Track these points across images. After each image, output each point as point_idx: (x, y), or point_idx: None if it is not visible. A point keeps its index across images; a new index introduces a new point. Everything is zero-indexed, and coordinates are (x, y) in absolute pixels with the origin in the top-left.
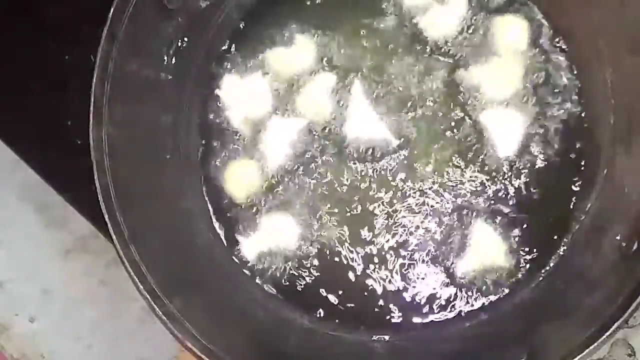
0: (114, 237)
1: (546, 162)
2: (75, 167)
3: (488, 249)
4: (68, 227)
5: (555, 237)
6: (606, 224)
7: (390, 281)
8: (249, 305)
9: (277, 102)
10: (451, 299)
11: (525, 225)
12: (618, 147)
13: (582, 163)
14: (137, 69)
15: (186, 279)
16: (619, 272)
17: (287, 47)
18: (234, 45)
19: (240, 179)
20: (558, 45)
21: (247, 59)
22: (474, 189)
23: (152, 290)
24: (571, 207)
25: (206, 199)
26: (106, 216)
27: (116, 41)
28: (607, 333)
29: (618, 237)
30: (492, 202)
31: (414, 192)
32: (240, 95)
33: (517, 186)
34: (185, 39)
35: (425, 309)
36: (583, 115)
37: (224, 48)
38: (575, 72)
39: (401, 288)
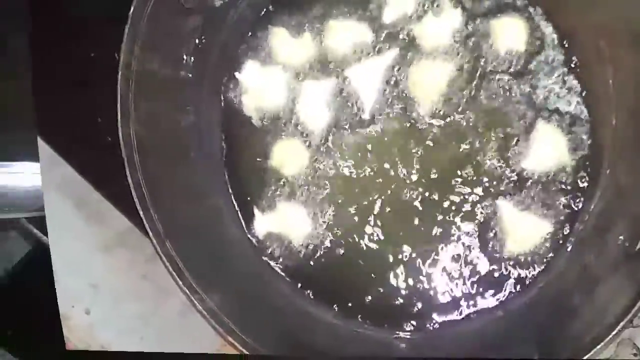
0: (150, 233)
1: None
2: (109, 163)
3: (521, 237)
4: (107, 222)
5: (561, 237)
6: (610, 224)
7: (412, 279)
8: (278, 301)
9: (291, 97)
10: (470, 296)
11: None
12: (620, 147)
13: (586, 163)
14: (159, 67)
15: (220, 275)
16: (623, 271)
17: (296, 40)
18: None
19: (288, 156)
20: (560, 45)
21: (268, 51)
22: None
23: (191, 285)
24: (576, 207)
25: (231, 195)
26: (141, 212)
27: (137, 40)
28: (613, 333)
29: (621, 237)
30: (505, 196)
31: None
32: (258, 82)
33: (522, 187)
34: (203, 38)
35: (446, 307)
36: (585, 115)
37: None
38: (577, 73)
39: (423, 285)
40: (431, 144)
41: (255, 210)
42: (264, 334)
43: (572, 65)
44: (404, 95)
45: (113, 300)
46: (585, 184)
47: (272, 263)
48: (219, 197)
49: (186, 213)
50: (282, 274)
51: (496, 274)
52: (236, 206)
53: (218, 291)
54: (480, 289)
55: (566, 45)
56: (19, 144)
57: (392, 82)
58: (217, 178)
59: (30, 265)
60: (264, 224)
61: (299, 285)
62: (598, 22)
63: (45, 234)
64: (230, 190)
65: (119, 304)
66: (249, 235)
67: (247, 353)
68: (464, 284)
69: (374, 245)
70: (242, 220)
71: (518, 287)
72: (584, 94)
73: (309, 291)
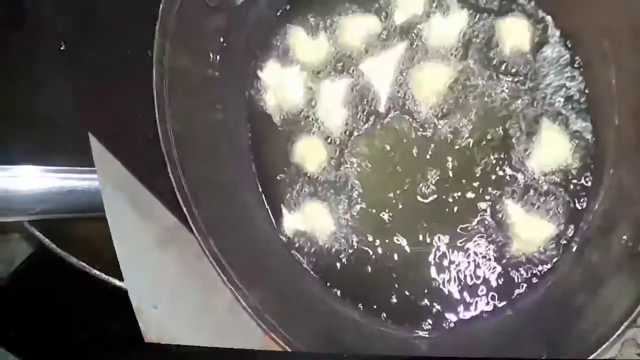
0: (194, 229)
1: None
2: (152, 160)
3: (528, 237)
4: (158, 218)
5: (567, 237)
6: (613, 224)
7: (429, 278)
8: (311, 299)
9: (309, 96)
10: (481, 296)
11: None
12: (623, 147)
13: (590, 163)
14: (189, 65)
15: (258, 272)
16: (626, 271)
17: (312, 40)
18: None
19: (308, 155)
20: (564, 45)
21: (286, 50)
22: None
23: (234, 282)
24: (580, 207)
25: (262, 194)
26: (184, 209)
27: (168, 37)
28: (617, 333)
29: (625, 237)
30: (511, 197)
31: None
32: (278, 81)
33: (528, 187)
34: (227, 36)
35: (459, 306)
36: (589, 115)
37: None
38: (580, 72)
39: (438, 285)
40: (439, 144)
41: (283, 209)
42: (302, 332)
43: (576, 65)
44: (411, 93)
45: (173, 295)
46: (589, 184)
47: (302, 261)
48: (250, 195)
49: (223, 211)
50: (312, 272)
51: (505, 274)
52: (266, 204)
53: (258, 288)
54: (491, 289)
55: (569, 45)
56: (19, 147)
57: (400, 79)
58: (247, 176)
59: (32, 267)
60: (291, 222)
61: (328, 283)
62: (601, 22)
63: (47, 236)
64: (260, 189)
65: (178, 299)
66: (279, 234)
67: (290, 350)
68: (475, 284)
69: (390, 244)
70: (272, 219)
71: (526, 287)
72: (587, 93)
73: (336, 290)
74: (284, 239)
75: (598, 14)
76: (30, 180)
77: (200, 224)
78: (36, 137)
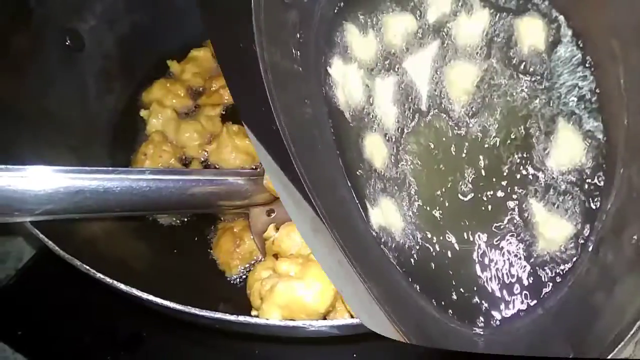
0: (323, 221)
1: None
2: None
3: (550, 236)
4: (305, 206)
5: (584, 236)
6: (625, 223)
7: (475, 276)
8: (402, 293)
9: (366, 93)
10: (516, 294)
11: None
12: (633, 147)
13: (602, 162)
14: (280, 60)
15: (366, 266)
16: (638, 271)
17: (363, 37)
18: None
19: (374, 151)
20: (575, 45)
21: (346, 48)
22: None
23: (361, 274)
24: (594, 206)
25: (351, 188)
26: (312, 200)
27: (262, 33)
28: (631, 332)
29: (635, 237)
30: (534, 196)
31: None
32: (343, 79)
33: (549, 186)
34: (302, 33)
35: (501, 304)
36: (600, 115)
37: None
38: (591, 72)
39: (484, 283)
40: (472, 142)
41: (367, 203)
42: (410, 326)
43: (587, 65)
44: (446, 92)
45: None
46: (602, 184)
47: (389, 256)
48: (344, 190)
49: (332, 204)
50: (397, 267)
51: (534, 273)
52: (355, 199)
53: (373, 281)
54: (523, 288)
55: (581, 45)
56: (29, 147)
57: (436, 77)
58: (338, 171)
59: (36, 267)
60: (374, 217)
61: (409, 279)
62: (610, 21)
63: (51, 238)
64: (349, 183)
65: (345, 285)
66: (369, 228)
67: (408, 342)
68: (511, 282)
69: (444, 242)
70: (363, 213)
71: (551, 285)
72: (598, 93)
73: (416, 285)
74: (373, 233)
75: (606, 13)
76: (40, 180)
77: (325, 216)
78: (45, 136)
